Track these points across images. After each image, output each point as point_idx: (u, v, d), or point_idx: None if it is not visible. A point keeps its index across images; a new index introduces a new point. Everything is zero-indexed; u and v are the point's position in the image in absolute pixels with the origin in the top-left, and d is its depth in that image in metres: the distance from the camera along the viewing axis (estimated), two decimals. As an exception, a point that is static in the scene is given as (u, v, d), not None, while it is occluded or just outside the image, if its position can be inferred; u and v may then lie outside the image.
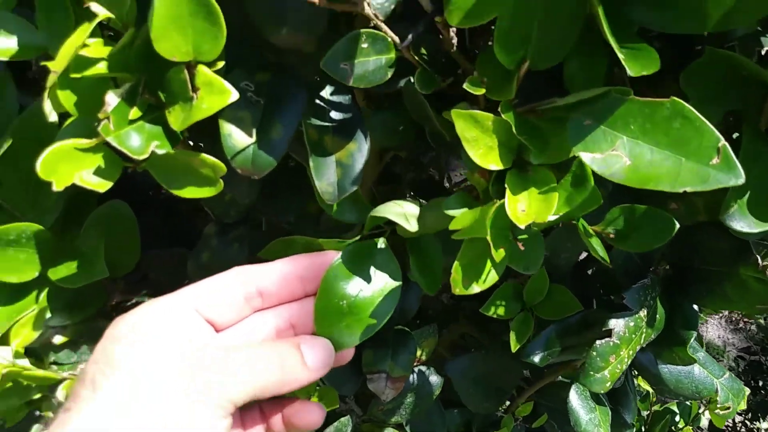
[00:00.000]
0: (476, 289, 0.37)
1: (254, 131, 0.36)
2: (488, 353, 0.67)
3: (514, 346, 0.52)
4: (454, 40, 0.36)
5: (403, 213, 0.39)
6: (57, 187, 0.31)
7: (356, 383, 0.58)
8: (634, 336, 0.49)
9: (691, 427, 1.05)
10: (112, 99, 0.30)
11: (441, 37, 0.36)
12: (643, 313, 0.49)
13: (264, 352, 0.33)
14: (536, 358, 0.53)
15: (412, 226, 0.38)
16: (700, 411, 1.04)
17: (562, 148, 0.33)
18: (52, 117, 0.35)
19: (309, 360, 0.34)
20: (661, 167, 0.31)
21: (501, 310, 0.53)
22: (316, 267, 0.37)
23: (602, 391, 0.49)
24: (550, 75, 0.35)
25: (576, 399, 0.60)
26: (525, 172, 0.35)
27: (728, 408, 0.61)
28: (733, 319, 2.43)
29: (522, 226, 0.33)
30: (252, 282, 0.36)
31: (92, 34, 0.30)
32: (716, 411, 0.62)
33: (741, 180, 0.29)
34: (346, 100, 0.41)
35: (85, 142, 0.32)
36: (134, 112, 0.32)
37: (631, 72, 0.30)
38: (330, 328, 0.36)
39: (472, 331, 0.76)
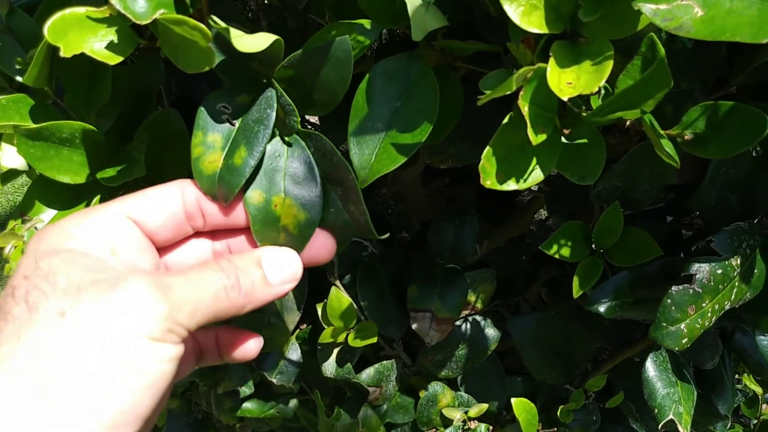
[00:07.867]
0: (512, 185, 0.31)
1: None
2: (558, 316, 0.60)
3: (576, 292, 0.46)
4: None
5: None
6: (64, 53, 0.30)
7: (401, 325, 0.54)
8: (721, 287, 0.41)
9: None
10: None
11: None
12: (735, 261, 0.41)
13: (218, 270, 0.30)
14: (602, 308, 0.46)
15: None
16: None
17: (621, 4, 0.27)
18: None
19: (272, 276, 0.31)
20: (741, 16, 0.24)
21: (565, 251, 0.47)
22: None
23: (677, 348, 0.41)
24: None
25: (653, 369, 0.52)
26: (577, 45, 0.30)
27: None
28: None
29: (565, 98, 0.28)
30: (194, 197, 0.32)
31: None
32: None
33: None
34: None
35: (96, 11, 0.32)
36: None
37: None
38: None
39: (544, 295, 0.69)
